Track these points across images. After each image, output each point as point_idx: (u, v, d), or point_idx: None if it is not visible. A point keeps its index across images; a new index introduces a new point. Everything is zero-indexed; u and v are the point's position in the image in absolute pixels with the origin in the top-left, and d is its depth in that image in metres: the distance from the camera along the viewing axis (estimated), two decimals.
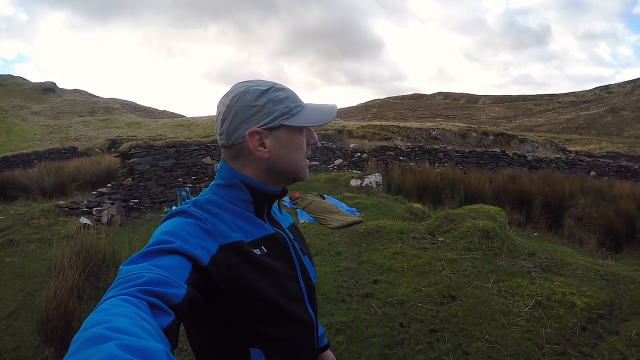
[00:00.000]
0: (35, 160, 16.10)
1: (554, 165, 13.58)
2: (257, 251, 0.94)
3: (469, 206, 6.04)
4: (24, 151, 19.92)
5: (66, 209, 8.02)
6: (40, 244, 6.50)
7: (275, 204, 1.15)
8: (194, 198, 0.98)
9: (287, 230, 1.10)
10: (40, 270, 5.10)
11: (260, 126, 0.96)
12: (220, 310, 0.89)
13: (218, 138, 1.01)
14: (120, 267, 0.74)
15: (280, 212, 1.18)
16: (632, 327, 3.07)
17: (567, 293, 3.61)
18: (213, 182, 1.02)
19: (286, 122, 0.97)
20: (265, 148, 0.97)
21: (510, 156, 13.91)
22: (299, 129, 1.00)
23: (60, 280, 3.74)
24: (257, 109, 0.96)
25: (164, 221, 0.91)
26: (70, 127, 37.59)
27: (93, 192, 9.15)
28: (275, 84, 1.01)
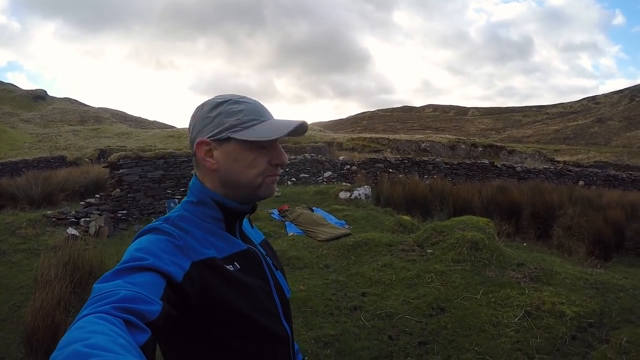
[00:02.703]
0: (23, 169, 15.83)
1: (543, 175, 13.63)
2: (230, 267, 0.93)
3: (457, 218, 6.06)
4: (13, 159, 19.60)
5: (54, 219, 7.92)
6: (27, 254, 6.40)
7: (246, 220, 1.14)
8: (165, 215, 0.97)
9: (258, 246, 1.10)
10: (26, 281, 5.01)
11: (209, 137, 0.96)
12: (195, 328, 0.88)
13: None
14: (94, 285, 0.73)
15: (252, 227, 1.18)
16: (622, 334, 3.10)
17: (557, 302, 3.64)
18: (185, 199, 1.01)
19: (233, 135, 0.95)
20: (213, 159, 0.96)
21: (499, 167, 13.95)
22: (249, 144, 0.96)
23: (47, 292, 3.69)
24: (209, 120, 0.96)
25: (136, 238, 0.90)
26: (60, 135, 37.26)
27: (81, 203, 9.04)
28: (240, 97, 1.00)
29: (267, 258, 1.09)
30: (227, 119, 0.96)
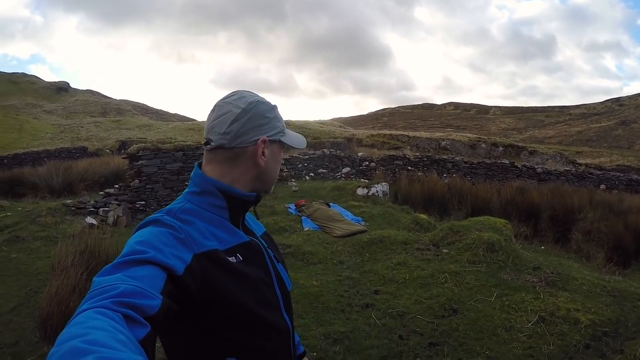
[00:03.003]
0: (45, 159, 16.20)
1: (563, 177, 13.38)
2: (232, 259, 0.94)
3: (475, 218, 5.97)
4: (35, 149, 20.06)
5: (73, 208, 8.07)
6: (45, 242, 6.53)
7: (250, 213, 1.17)
8: (168, 207, 0.98)
9: (260, 238, 1.11)
10: (44, 267, 5.13)
11: (269, 136, 1.03)
12: (196, 320, 0.88)
13: (216, 137, 0.99)
14: (93, 278, 0.73)
15: (258, 219, 1.22)
16: (637, 345, 3.00)
17: (572, 309, 3.55)
18: (186, 190, 1.02)
19: (282, 138, 1.07)
20: (264, 157, 1.02)
21: (519, 168, 13.74)
22: (281, 145, 1.10)
23: (63, 279, 3.77)
24: (268, 120, 1.03)
25: (137, 230, 0.90)
26: (82, 127, 37.82)
27: (100, 193, 9.19)
28: (270, 102, 1.09)
29: (269, 250, 1.10)
30: (278, 124, 1.06)
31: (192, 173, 1.03)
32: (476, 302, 3.85)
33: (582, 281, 4.18)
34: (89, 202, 8.40)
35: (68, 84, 69.00)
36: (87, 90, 72.70)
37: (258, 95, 1.05)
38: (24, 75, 70.32)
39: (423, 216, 7.15)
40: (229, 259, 0.93)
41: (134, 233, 0.89)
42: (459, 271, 4.43)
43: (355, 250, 5.50)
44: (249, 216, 1.16)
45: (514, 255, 4.75)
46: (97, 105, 56.67)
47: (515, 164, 14.13)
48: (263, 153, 1.02)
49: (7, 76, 68.26)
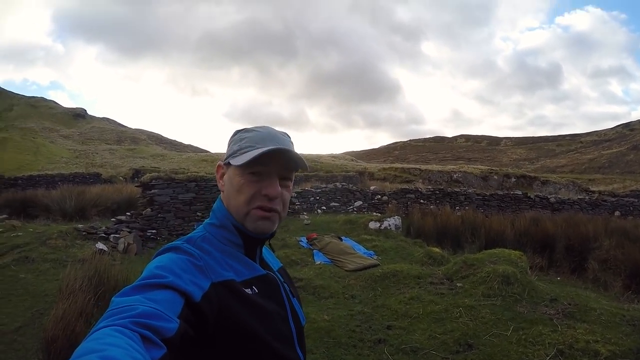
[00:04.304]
0: (59, 182, 16.37)
1: (577, 206, 13.19)
2: (248, 291, 0.94)
3: (489, 250, 5.88)
4: (50, 172, 20.33)
5: (84, 233, 8.09)
6: (54, 264, 6.54)
7: (267, 247, 1.18)
8: (188, 235, 1.00)
9: (276, 273, 1.11)
10: (51, 289, 5.11)
11: (223, 161, 1.06)
12: (208, 349, 0.86)
13: None
14: (112, 298, 0.74)
15: (274, 252, 1.24)
16: None
17: (591, 341, 3.44)
18: (207, 221, 1.05)
19: (230, 161, 1.01)
20: (222, 181, 1.06)
21: (532, 198, 13.59)
22: (240, 169, 0.99)
23: (70, 302, 3.78)
24: (228, 145, 1.07)
25: (156, 256, 0.91)
26: (97, 153, 38.44)
27: (112, 219, 9.23)
28: (257, 127, 1.06)
29: (285, 285, 1.10)
30: (234, 146, 1.03)
31: (214, 204, 1.06)
32: (492, 336, 3.73)
33: (600, 311, 4.06)
34: (100, 227, 8.42)
35: (85, 110, 70.44)
36: (104, 118, 74.14)
37: (256, 127, 1.06)
38: (43, 99, 72.03)
39: (436, 250, 7.07)
40: (245, 290, 0.94)
41: (154, 258, 0.90)
42: (474, 305, 4.32)
43: (368, 284, 5.41)
44: (267, 251, 1.17)
45: (529, 287, 4.63)
46: (113, 133, 57.62)
47: (528, 194, 14.00)
48: (222, 177, 1.06)
49: (26, 99, 70.01)
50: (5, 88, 76.58)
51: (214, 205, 1.06)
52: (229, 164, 1.03)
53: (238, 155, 1.00)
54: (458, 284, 4.99)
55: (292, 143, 1.07)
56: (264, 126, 1.06)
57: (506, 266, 4.96)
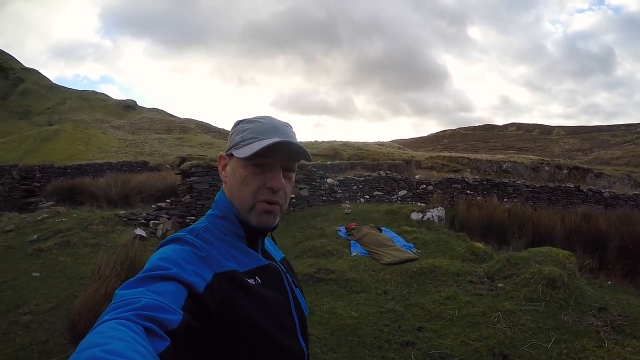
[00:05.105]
0: (107, 170, 16.92)
1: (632, 202, 12.24)
2: (251, 281, 0.94)
3: (535, 249, 5.48)
4: (98, 161, 21.07)
5: (125, 219, 8.29)
6: (94, 249, 6.75)
7: (269, 237, 1.17)
8: (190, 226, 0.99)
9: (279, 263, 1.11)
10: (87, 273, 5.24)
11: (226, 152, 1.05)
12: (211, 339, 0.85)
13: None
14: (115, 291, 0.75)
15: (275, 243, 1.21)
16: None
17: None
18: (209, 212, 1.04)
19: (233, 152, 1.00)
20: (225, 172, 1.04)
21: (584, 192, 12.79)
22: (243, 161, 0.98)
23: (99, 286, 3.85)
24: (229, 136, 1.06)
25: (160, 247, 0.91)
26: (146, 142, 39.67)
27: (152, 206, 9.41)
28: (259, 117, 1.04)
29: (288, 275, 1.10)
30: (236, 137, 1.02)
31: (216, 196, 1.06)
32: (530, 347, 3.39)
33: None
34: (141, 214, 8.60)
35: (135, 102, 73.19)
36: (154, 108, 76.72)
37: (258, 117, 1.05)
38: (94, 92, 75.49)
39: (479, 245, 6.70)
40: (248, 280, 0.93)
41: (157, 249, 0.91)
42: (514, 310, 3.99)
43: (403, 279, 5.16)
44: (269, 242, 1.16)
45: (577, 293, 4.24)
46: (162, 122, 59.46)
47: (581, 187, 13.19)
48: (224, 168, 1.04)
49: (78, 93, 73.71)
50: (58, 83, 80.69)
51: (216, 196, 1.05)
52: (231, 155, 1.01)
53: (241, 147, 0.99)
54: (499, 285, 4.66)
55: (294, 134, 1.05)
56: (266, 116, 1.05)
57: (553, 267, 4.58)
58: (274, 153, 0.97)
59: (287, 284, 1.06)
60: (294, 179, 1.07)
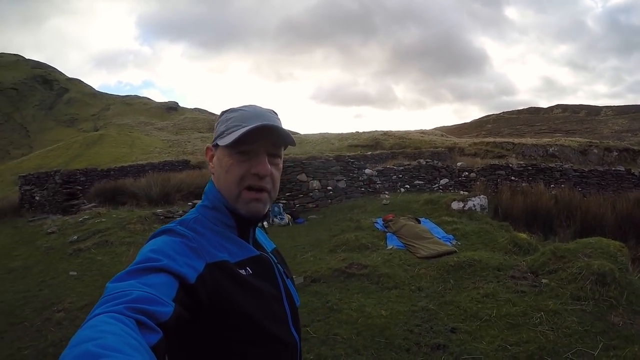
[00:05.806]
0: (149, 171, 17.32)
1: None
2: (242, 272, 0.94)
3: (583, 240, 5.04)
4: (140, 162, 21.68)
5: (162, 217, 8.46)
6: (130, 247, 6.93)
7: (259, 229, 1.16)
8: (181, 217, 1.00)
9: (270, 254, 1.11)
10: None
11: (212, 143, 1.04)
12: (203, 330, 0.86)
13: None
14: (107, 284, 0.74)
15: (267, 233, 1.21)
16: None
17: None
18: (199, 203, 1.04)
19: (218, 142, 1.00)
20: (212, 163, 1.04)
21: (636, 176, 12.06)
22: (228, 150, 0.98)
23: None
24: (215, 128, 1.06)
25: (150, 239, 0.91)
26: (189, 142, 40.45)
27: (189, 203, 9.53)
28: (244, 106, 1.03)
29: (279, 266, 1.10)
30: (220, 127, 1.02)
31: (206, 187, 1.05)
32: (575, 354, 3.05)
33: None
34: (177, 211, 8.74)
35: (177, 103, 75.26)
36: (195, 108, 78.55)
37: (242, 106, 1.04)
38: (137, 97, 78.20)
39: (523, 235, 6.29)
40: (240, 271, 0.94)
41: (148, 241, 0.90)
42: (559, 310, 3.64)
43: (439, 275, 4.88)
44: (260, 232, 1.16)
45: (629, 290, 3.83)
46: (205, 122, 60.63)
47: (632, 170, 12.41)
48: (211, 160, 1.04)
49: (121, 99, 76.69)
50: (102, 91, 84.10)
51: (206, 188, 1.05)
52: (217, 146, 1.01)
53: (225, 136, 0.99)
54: (543, 281, 4.32)
55: (279, 120, 1.05)
56: (251, 105, 1.05)
57: (603, 261, 4.19)
58: (257, 139, 0.96)
59: (278, 274, 1.06)
60: (281, 165, 1.06)
